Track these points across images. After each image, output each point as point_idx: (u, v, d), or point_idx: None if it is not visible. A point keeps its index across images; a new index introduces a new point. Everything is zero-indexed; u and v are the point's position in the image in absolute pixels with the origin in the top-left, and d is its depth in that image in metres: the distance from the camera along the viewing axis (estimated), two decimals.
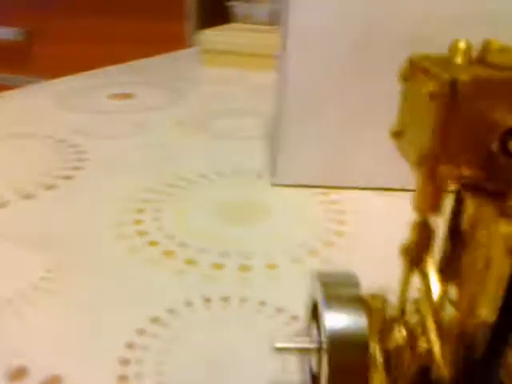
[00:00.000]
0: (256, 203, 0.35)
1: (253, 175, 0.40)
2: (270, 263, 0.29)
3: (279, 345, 0.19)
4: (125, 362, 0.21)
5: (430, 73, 0.14)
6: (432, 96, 0.14)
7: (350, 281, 0.19)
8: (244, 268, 0.28)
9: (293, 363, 0.22)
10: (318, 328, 0.19)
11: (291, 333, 0.24)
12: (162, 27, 1.11)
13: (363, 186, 0.38)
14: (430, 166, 0.15)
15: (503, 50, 0.14)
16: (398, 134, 0.17)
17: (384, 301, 0.19)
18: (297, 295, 0.25)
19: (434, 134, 0.14)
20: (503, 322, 0.17)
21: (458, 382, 0.19)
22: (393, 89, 0.34)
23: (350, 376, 0.18)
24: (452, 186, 0.16)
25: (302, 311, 0.24)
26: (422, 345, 0.18)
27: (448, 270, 0.18)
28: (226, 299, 0.26)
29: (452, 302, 0.17)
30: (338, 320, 0.18)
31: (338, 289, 0.19)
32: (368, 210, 0.35)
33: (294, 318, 0.24)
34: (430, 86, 0.14)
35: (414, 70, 0.16)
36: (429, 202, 0.17)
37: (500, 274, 0.16)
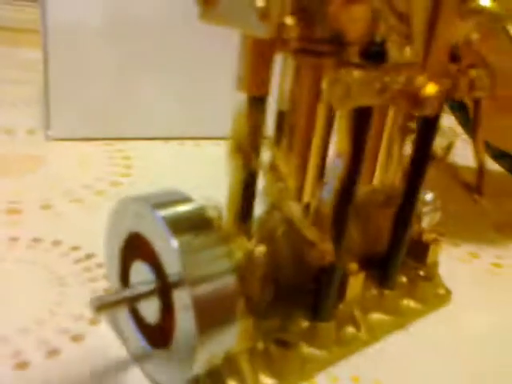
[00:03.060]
0: (28, 156, 0.31)
1: (25, 132, 0.35)
2: (45, 204, 0.26)
3: (98, 302, 0.14)
4: None
5: None
6: None
7: (181, 198, 0.16)
8: (12, 211, 0.24)
9: (72, 290, 0.20)
10: (156, 265, 0.15)
11: (72, 262, 0.21)
12: None
13: (144, 137, 0.36)
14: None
15: None
16: (207, 2, 0.15)
17: (220, 210, 0.16)
18: (77, 229, 0.23)
19: None
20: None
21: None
22: (162, 42, 0.34)
23: (218, 306, 0.14)
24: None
25: (83, 242, 0.22)
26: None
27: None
28: None
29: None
30: (190, 240, 0.14)
31: (173, 208, 0.15)
32: (152, 155, 0.34)
33: (74, 248, 0.22)
34: None
35: None
36: (256, 76, 0.14)
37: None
